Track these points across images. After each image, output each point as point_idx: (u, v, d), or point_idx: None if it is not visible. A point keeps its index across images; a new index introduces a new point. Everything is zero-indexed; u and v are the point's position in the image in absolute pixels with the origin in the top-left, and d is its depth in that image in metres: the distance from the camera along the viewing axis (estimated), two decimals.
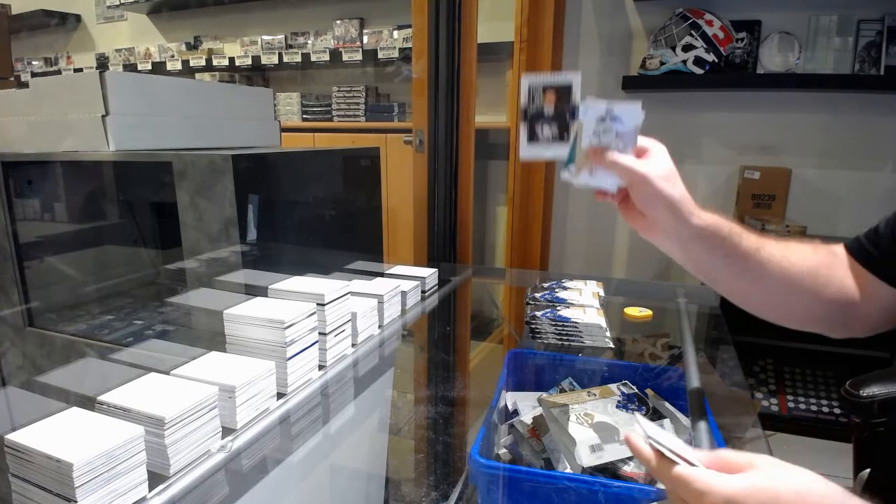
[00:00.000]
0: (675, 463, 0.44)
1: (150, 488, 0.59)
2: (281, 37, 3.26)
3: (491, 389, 0.85)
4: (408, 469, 0.89)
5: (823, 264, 0.68)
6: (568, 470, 0.71)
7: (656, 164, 0.64)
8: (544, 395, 0.82)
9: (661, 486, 0.70)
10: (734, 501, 0.40)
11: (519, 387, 0.95)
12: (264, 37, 3.30)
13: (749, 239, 0.66)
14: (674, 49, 2.02)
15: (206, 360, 0.77)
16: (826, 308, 0.67)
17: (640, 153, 0.66)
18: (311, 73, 3.32)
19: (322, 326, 0.90)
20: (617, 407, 0.78)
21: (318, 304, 0.89)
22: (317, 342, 0.89)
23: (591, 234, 2.52)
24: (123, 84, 1.16)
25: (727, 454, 0.45)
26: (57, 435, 0.56)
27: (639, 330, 1.25)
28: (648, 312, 1.27)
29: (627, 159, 0.64)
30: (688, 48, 2.00)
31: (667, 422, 0.74)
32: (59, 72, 4.08)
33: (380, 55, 2.94)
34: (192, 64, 3.42)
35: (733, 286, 0.70)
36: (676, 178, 0.65)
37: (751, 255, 0.66)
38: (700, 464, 0.44)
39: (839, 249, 0.70)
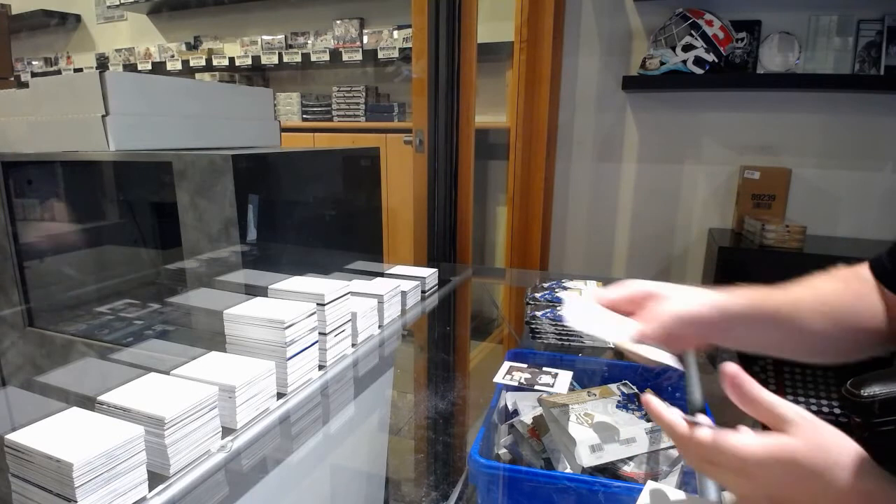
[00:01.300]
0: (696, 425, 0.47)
1: (150, 488, 0.59)
2: (281, 37, 3.26)
3: (491, 389, 0.85)
4: (408, 469, 0.89)
5: (856, 295, 0.65)
6: (568, 470, 0.71)
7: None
8: (544, 394, 0.82)
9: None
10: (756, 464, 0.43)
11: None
12: (264, 37, 3.30)
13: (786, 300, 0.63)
14: (674, 49, 2.02)
15: (206, 360, 0.77)
16: (870, 336, 0.64)
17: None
18: (311, 73, 3.32)
19: (322, 326, 0.90)
20: (617, 407, 0.78)
21: (318, 304, 0.89)
22: (317, 342, 0.89)
23: (591, 234, 2.52)
24: (123, 84, 1.16)
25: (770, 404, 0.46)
26: (57, 435, 0.56)
27: None
28: None
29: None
30: (688, 48, 2.00)
31: None
32: (59, 72, 4.08)
33: (380, 55, 2.94)
34: (192, 64, 3.42)
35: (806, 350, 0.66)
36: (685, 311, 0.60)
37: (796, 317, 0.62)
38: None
39: (864, 271, 0.67)
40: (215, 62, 3.34)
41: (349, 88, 3.03)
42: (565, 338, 1.08)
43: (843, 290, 0.65)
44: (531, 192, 2.22)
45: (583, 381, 0.92)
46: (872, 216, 2.10)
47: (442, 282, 1.43)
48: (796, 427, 0.44)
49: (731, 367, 0.46)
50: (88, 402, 0.64)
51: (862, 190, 2.10)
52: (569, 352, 1.05)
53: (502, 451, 0.77)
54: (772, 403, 0.46)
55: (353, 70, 3.17)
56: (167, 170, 1.05)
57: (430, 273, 1.36)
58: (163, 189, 1.12)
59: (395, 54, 2.90)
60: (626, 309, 0.64)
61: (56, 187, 1.37)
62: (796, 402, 2.05)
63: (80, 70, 3.99)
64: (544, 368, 0.90)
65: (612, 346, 0.86)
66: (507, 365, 0.91)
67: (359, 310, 1.00)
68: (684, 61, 2.02)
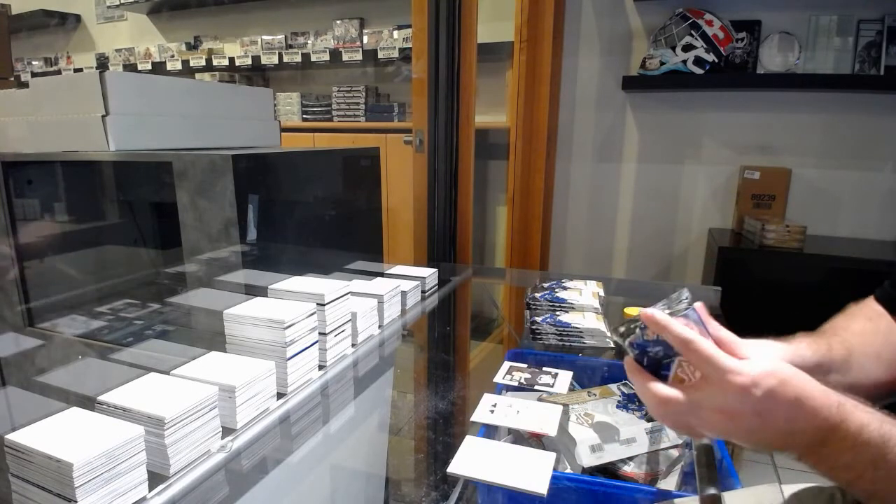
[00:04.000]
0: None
1: (150, 488, 0.59)
2: (281, 37, 3.26)
3: (491, 389, 0.85)
4: (408, 469, 0.89)
5: (889, 329, 0.65)
6: (568, 470, 0.71)
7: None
8: (544, 394, 0.82)
9: (661, 485, 0.70)
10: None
11: None
12: (264, 37, 3.30)
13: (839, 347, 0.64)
14: (674, 49, 2.02)
15: (206, 360, 0.77)
16: None
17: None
18: (311, 73, 3.32)
19: (322, 326, 0.90)
20: (617, 407, 0.78)
21: (318, 304, 0.89)
22: (317, 342, 0.89)
23: (591, 234, 2.52)
24: (123, 84, 1.16)
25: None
26: (57, 435, 0.56)
27: None
28: None
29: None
30: (688, 48, 2.00)
31: None
32: (59, 72, 4.08)
33: (380, 55, 2.94)
34: (192, 64, 3.42)
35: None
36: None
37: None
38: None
39: (874, 305, 0.67)
40: (215, 62, 3.34)
41: (349, 88, 3.03)
42: (566, 339, 1.08)
43: (874, 328, 0.65)
44: (531, 192, 2.22)
45: (583, 381, 0.92)
46: (872, 216, 2.10)
47: (442, 282, 1.43)
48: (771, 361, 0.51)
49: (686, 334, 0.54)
50: (88, 402, 0.64)
51: (862, 190, 2.10)
52: (569, 352, 1.05)
53: None
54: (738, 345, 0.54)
55: (353, 70, 3.17)
56: (167, 170, 1.05)
57: (430, 273, 1.36)
58: (163, 189, 1.12)
59: (395, 54, 2.90)
60: None
61: (56, 187, 1.37)
62: None
63: (80, 70, 3.99)
64: (544, 368, 0.90)
65: (612, 345, 0.86)
66: (507, 365, 0.91)
67: (359, 310, 1.00)
68: (684, 61, 2.02)
